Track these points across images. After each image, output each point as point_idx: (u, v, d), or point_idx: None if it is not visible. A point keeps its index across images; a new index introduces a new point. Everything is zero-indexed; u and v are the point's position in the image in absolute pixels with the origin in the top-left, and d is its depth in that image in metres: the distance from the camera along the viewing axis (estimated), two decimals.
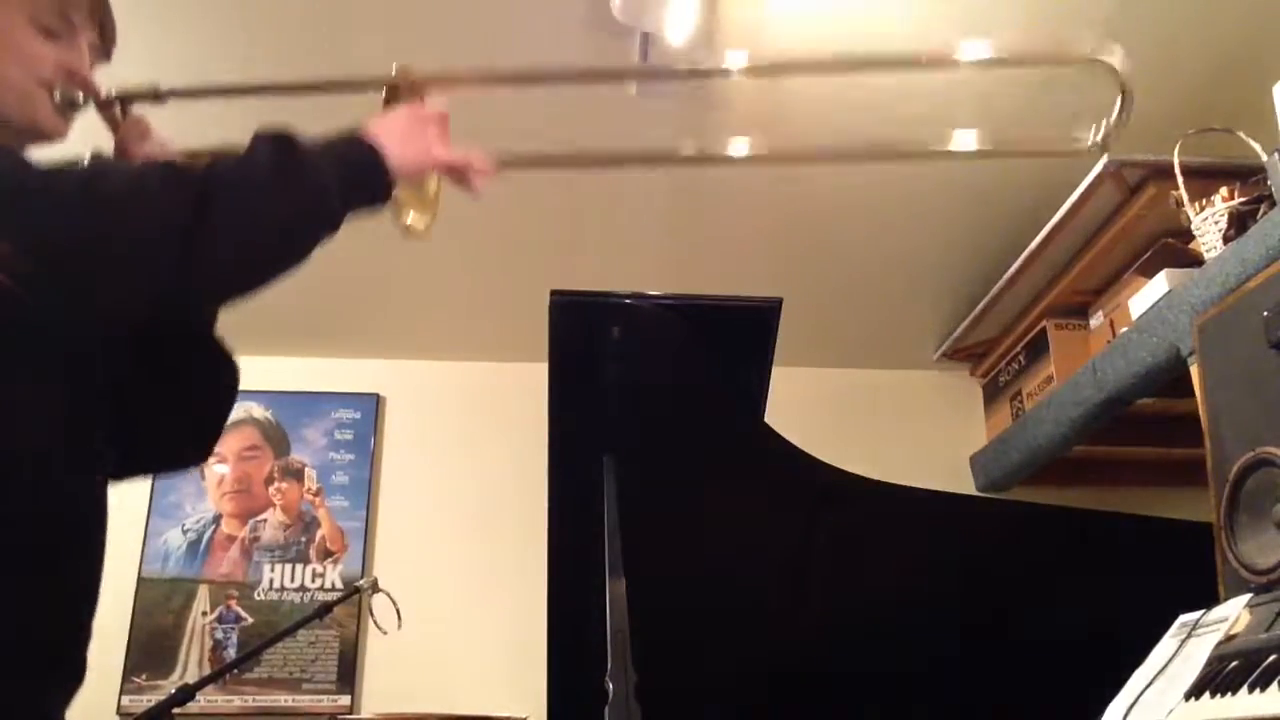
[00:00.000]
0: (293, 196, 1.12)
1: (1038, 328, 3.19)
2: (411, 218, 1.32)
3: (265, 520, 3.46)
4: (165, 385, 1.29)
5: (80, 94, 1.25)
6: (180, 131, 1.33)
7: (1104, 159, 2.49)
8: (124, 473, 1.30)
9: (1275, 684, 1.26)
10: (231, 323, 1.32)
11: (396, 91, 1.33)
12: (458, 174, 1.33)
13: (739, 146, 1.38)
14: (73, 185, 1.06)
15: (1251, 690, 1.28)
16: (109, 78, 1.31)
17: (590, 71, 1.57)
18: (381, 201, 1.22)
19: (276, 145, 1.13)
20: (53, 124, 1.23)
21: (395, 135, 1.22)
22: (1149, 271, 2.43)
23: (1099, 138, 1.30)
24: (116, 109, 1.32)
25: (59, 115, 1.24)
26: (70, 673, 1.16)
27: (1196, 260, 2.21)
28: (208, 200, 1.05)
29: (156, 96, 1.32)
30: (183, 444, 1.36)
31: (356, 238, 1.26)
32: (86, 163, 1.12)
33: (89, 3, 1.27)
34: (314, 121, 1.18)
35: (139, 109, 1.34)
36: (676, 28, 2.43)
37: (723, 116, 2.79)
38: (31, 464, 1.11)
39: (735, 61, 1.38)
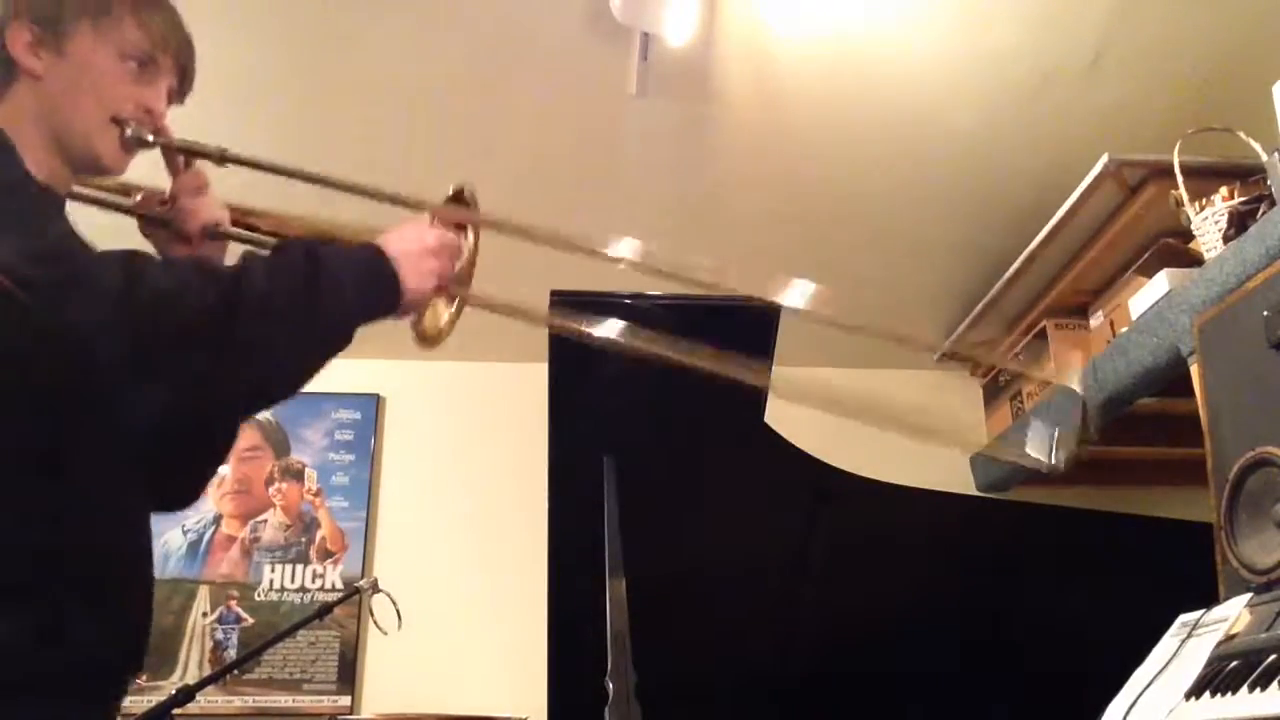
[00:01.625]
0: (317, 322, 1.16)
1: (1038, 328, 3.18)
2: (426, 322, 1.34)
3: (265, 521, 3.46)
4: (187, 434, 1.30)
5: (150, 135, 1.27)
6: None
7: (1104, 158, 2.49)
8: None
9: (1275, 684, 1.26)
10: None
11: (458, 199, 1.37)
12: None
13: None
14: (116, 279, 1.06)
15: (1252, 690, 1.28)
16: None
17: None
18: (391, 315, 1.25)
19: (308, 261, 1.15)
20: (114, 159, 1.25)
21: (410, 258, 1.24)
22: (1149, 271, 2.43)
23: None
24: (180, 159, 1.33)
25: (123, 151, 1.26)
26: (119, 692, 1.20)
27: (1196, 260, 2.21)
28: (237, 318, 1.07)
29: (221, 159, 1.34)
30: (174, 492, 1.37)
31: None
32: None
33: (176, 48, 1.29)
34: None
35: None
36: (676, 28, 2.43)
37: (722, 116, 2.79)
38: (89, 504, 1.13)
39: None
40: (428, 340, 1.33)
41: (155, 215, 1.33)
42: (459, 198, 1.37)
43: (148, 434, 1.21)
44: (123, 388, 1.06)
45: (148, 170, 1.33)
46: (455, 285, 1.35)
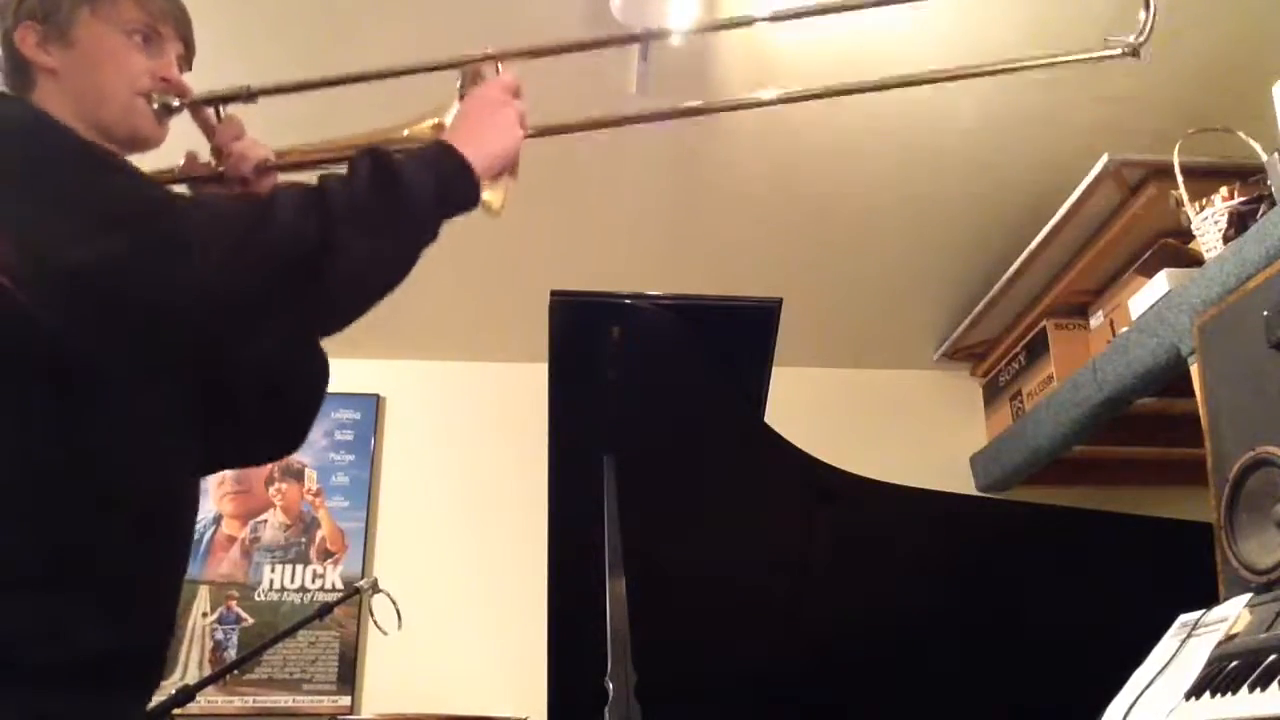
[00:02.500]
0: (401, 221, 1.17)
1: (1038, 328, 3.19)
2: (488, 195, 1.33)
3: (265, 521, 3.46)
4: (262, 383, 1.33)
5: (175, 99, 1.29)
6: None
7: (1104, 158, 2.50)
8: (209, 467, 1.36)
9: (1275, 684, 1.26)
10: None
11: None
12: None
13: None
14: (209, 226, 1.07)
15: (1252, 690, 1.28)
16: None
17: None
18: (472, 207, 1.25)
19: (377, 167, 1.16)
20: (153, 131, 1.28)
21: (480, 134, 1.27)
22: (1149, 271, 2.43)
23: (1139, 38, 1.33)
24: (210, 112, 1.35)
25: (157, 122, 1.28)
26: (158, 665, 1.24)
27: (1196, 260, 2.21)
28: (330, 237, 1.08)
29: (249, 96, 1.36)
30: (274, 438, 1.40)
31: None
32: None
33: (175, 16, 1.32)
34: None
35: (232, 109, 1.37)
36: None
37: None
38: (138, 463, 1.15)
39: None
40: (493, 208, 1.34)
41: (205, 175, 1.35)
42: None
43: (264, 373, 1.26)
44: (240, 335, 1.08)
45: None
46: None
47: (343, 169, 1.19)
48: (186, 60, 1.35)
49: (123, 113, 1.26)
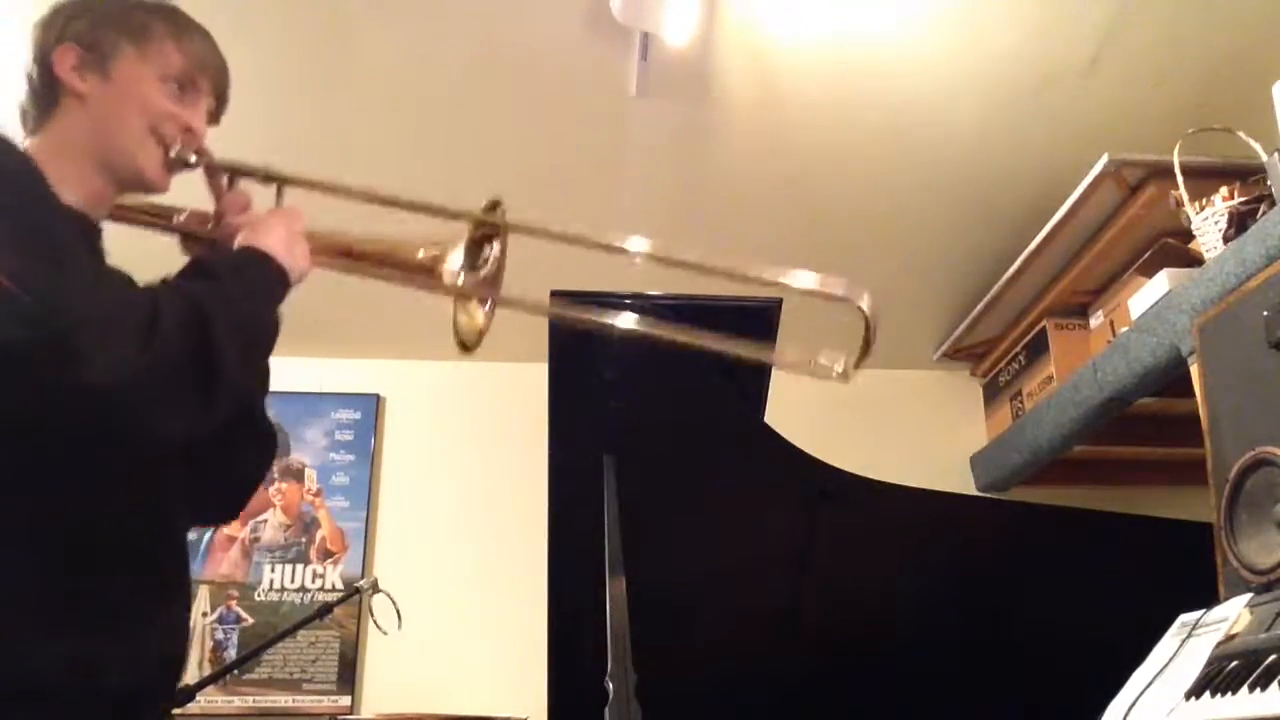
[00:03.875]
0: (263, 321, 1.22)
1: (1038, 328, 3.18)
2: (463, 327, 1.37)
3: (265, 521, 3.46)
4: (209, 451, 1.32)
5: (193, 155, 1.30)
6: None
7: (1104, 158, 2.49)
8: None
9: (1275, 684, 1.26)
10: None
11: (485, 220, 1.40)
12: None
13: None
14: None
15: (1252, 690, 1.28)
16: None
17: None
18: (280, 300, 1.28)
19: (235, 273, 1.20)
20: (157, 177, 1.28)
21: (285, 246, 1.28)
22: (1149, 271, 2.43)
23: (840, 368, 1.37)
24: (224, 178, 1.35)
25: (165, 170, 1.28)
26: (171, 694, 1.27)
27: (1196, 260, 2.21)
28: (212, 344, 1.09)
29: (266, 179, 1.36)
30: (215, 505, 1.41)
31: None
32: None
33: (214, 70, 1.33)
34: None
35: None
36: (676, 28, 2.43)
37: (721, 116, 2.79)
38: (137, 514, 1.19)
39: None
40: (467, 346, 1.36)
41: (199, 236, 1.35)
42: (494, 208, 1.40)
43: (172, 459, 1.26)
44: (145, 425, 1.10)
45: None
46: (487, 288, 1.38)
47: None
48: (216, 115, 1.35)
49: (133, 152, 1.25)
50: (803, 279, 1.41)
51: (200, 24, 1.34)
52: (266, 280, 1.23)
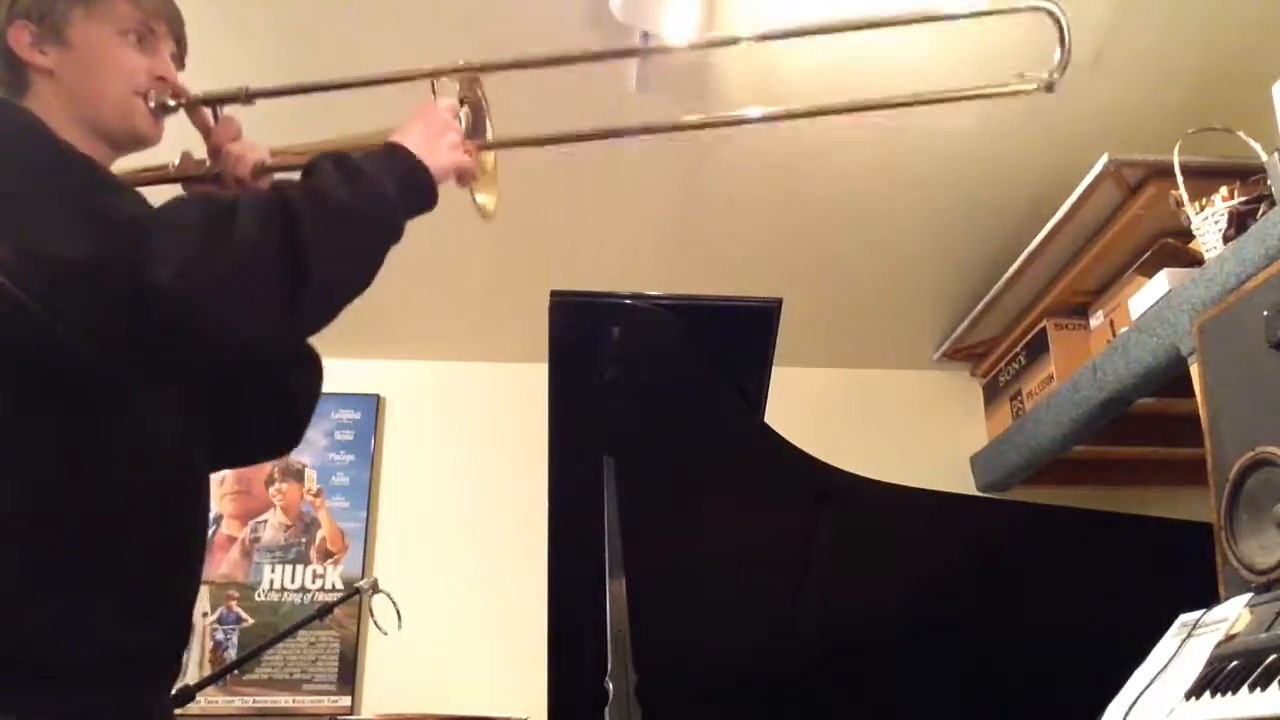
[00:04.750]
0: (367, 217, 1.17)
1: (1038, 328, 3.19)
2: (481, 198, 1.38)
3: (265, 521, 3.46)
4: (260, 383, 1.34)
5: (172, 99, 1.30)
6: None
7: (1104, 158, 2.49)
8: (216, 465, 1.37)
9: (1275, 684, 1.26)
10: None
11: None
12: (468, 176, 1.36)
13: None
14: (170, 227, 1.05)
15: (1252, 690, 1.28)
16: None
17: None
18: (433, 205, 1.26)
19: (339, 167, 1.16)
20: (150, 129, 1.29)
21: (425, 144, 1.27)
22: (1149, 271, 2.43)
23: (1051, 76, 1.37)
24: (207, 112, 1.36)
25: (154, 121, 1.29)
26: (178, 661, 1.25)
27: (1196, 260, 2.21)
28: (298, 238, 1.07)
29: (246, 98, 1.36)
30: (275, 435, 1.42)
31: None
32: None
33: (168, 15, 1.32)
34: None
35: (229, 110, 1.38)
36: (676, 28, 2.43)
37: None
38: (147, 464, 1.17)
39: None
40: (488, 213, 1.37)
41: (201, 174, 1.35)
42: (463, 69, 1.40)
43: (260, 372, 1.27)
44: (214, 341, 1.06)
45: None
46: (482, 139, 1.39)
47: None
48: (179, 59, 1.35)
49: (121, 112, 1.26)
50: None
51: None
52: (391, 171, 1.20)
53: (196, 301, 1.01)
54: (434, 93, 1.38)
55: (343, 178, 1.15)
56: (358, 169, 1.17)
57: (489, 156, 1.41)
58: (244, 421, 1.36)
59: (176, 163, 1.36)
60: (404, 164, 1.23)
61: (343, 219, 1.13)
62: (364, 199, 1.16)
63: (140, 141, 1.29)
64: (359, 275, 1.16)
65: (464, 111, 1.38)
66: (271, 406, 1.37)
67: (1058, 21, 1.35)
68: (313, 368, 1.42)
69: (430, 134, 1.28)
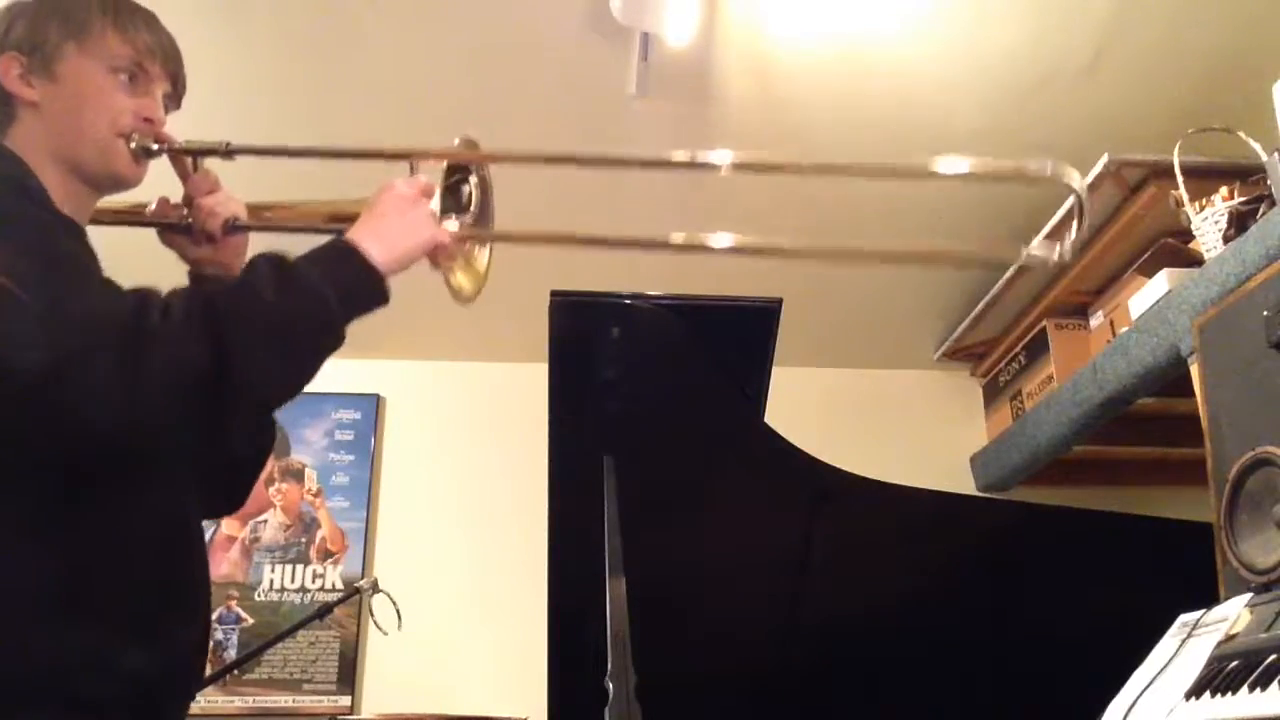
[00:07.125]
0: (299, 325, 1.13)
1: (1038, 328, 3.19)
2: (459, 280, 1.33)
3: (265, 521, 3.46)
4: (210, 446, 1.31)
5: (154, 143, 1.27)
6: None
7: (1104, 158, 2.49)
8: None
9: (1275, 684, 1.26)
10: None
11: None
12: (441, 253, 1.31)
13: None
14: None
15: (1252, 690, 1.28)
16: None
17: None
18: (382, 304, 1.22)
19: (276, 270, 1.13)
20: (130, 172, 1.26)
21: (384, 231, 1.22)
22: (1149, 271, 2.43)
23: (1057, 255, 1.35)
24: (188, 161, 1.34)
25: (135, 163, 1.26)
26: (194, 681, 1.26)
27: (1196, 260, 2.21)
28: (221, 344, 1.05)
29: (227, 153, 1.35)
30: (217, 498, 1.39)
31: None
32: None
33: (163, 54, 1.29)
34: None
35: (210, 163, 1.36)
36: (676, 28, 2.43)
37: (721, 116, 2.79)
38: (147, 501, 1.16)
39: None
40: (463, 296, 1.33)
41: (174, 222, 1.34)
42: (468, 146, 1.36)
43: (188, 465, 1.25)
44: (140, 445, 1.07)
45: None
46: (480, 228, 1.36)
47: (316, 238, 1.19)
48: (175, 98, 1.33)
49: (101, 153, 1.23)
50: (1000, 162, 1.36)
51: (143, 7, 1.30)
52: (333, 277, 1.16)
53: (131, 431, 1.03)
54: (412, 170, 1.32)
55: (277, 282, 1.12)
56: (294, 275, 1.14)
57: (480, 250, 1.36)
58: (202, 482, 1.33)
59: (153, 206, 1.34)
60: (352, 268, 1.18)
61: (270, 326, 1.10)
62: (296, 305, 1.13)
63: (120, 183, 1.27)
64: (288, 379, 1.14)
65: (470, 188, 1.35)
66: (217, 468, 1.34)
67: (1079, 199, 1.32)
68: (265, 439, 1.40)
69: (393, 216, 1.24)
